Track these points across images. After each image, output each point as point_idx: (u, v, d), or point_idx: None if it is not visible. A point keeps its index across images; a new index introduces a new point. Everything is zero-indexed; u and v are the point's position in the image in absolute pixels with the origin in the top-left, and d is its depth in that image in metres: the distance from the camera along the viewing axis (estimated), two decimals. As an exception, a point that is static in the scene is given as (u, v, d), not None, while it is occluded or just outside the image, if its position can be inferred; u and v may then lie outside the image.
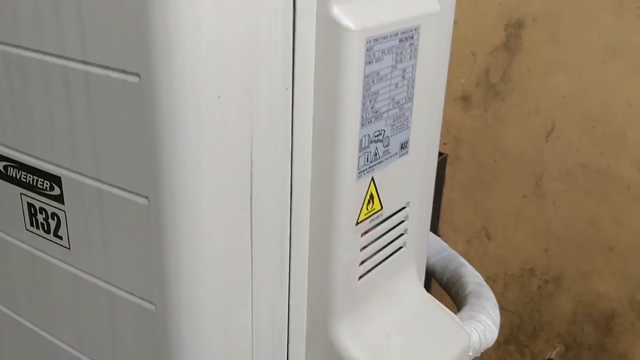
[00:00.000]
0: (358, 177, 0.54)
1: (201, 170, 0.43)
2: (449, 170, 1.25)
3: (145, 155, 0.43)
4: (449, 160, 1.25)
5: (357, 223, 0.55)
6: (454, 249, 1.35)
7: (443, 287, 1.13)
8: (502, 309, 1.36)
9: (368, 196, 0.56)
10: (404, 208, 0.63)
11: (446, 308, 0.68)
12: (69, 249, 0.53)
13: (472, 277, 1.07)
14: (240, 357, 0.53)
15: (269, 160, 0.48)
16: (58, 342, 0.59)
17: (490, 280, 1.27)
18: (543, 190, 1.14)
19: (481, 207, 1.23)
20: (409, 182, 0.62)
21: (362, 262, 0.58)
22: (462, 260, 1.14)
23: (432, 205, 0.75)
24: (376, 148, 0.54)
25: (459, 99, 1.18)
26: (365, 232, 0.57)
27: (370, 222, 0.57)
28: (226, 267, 0.48)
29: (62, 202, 0.52)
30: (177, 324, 0.47)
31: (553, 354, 1.25)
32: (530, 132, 1.12)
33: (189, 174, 0.42)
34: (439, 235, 1.34)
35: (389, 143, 0.56)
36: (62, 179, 0.51)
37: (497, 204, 1.20)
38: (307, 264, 0.56)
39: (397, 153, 0.57)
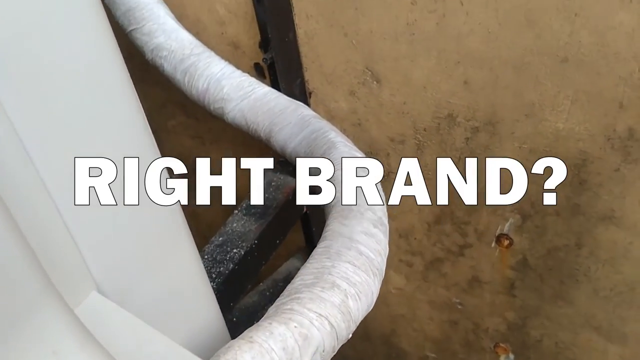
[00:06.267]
0: None
1: None
2: (294, -13, 0.77)
3: None
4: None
5: None
6: (334, 109, 0.90)
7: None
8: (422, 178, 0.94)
9: None
10: None
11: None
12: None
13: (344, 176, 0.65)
14: None
15: None
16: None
17: (395, 142, 0.84)
18: (440, -16, 0.67)
19: (356, 36, 0.76)
20: None
21: None
22: (333, 136, 0.71)
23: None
24: None
25: None
26: None
27: None
28: None
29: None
30: None
31: (506, 228, 0.85)
32: None
33: None
34: (309, 94, 0.88)
35: None
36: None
37: (376, 24, 0.74)
38: None
39: None
